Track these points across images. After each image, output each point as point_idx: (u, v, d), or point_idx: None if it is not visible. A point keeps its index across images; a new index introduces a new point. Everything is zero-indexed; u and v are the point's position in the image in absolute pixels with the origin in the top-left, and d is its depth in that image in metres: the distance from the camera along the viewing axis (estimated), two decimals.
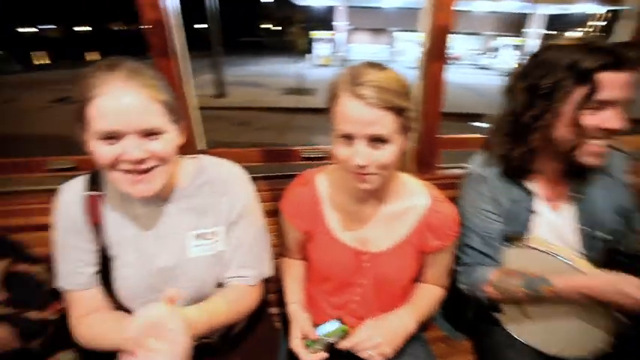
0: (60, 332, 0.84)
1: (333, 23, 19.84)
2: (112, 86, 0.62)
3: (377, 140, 0.69)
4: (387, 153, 0.70)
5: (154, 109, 0.66)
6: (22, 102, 9.05)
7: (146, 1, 0.95)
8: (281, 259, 1.02)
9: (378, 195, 0.84)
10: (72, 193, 0.78)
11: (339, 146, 0.72)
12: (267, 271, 0.90)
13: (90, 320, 0.77)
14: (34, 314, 0.83)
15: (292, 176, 1.22)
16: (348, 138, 0.70)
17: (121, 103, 0.62)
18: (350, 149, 0.70)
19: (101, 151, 0.64)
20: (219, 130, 6.75)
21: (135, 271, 0.78)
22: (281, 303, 1.08)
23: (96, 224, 0.77)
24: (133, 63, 0.67)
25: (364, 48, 21.43)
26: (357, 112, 0.67)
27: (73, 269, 0.78)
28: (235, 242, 0.84)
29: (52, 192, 1.12)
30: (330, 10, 20.25)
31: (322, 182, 0.91)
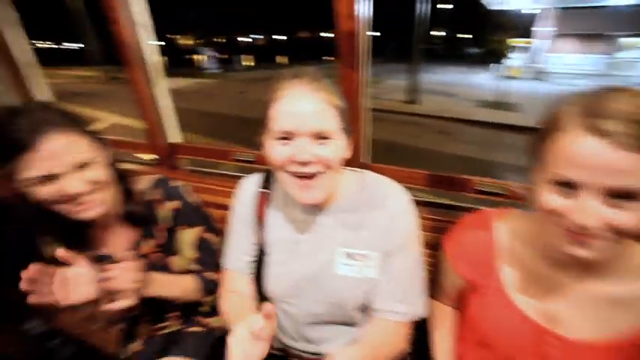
0: None
1: (533, 29, 17.17)
2: (293, 90, 0.70)
3: (620, 196, 0.49)
4: (632, 215, 0.50)
5: (328, 113, 0.70)
6: (250, 93, 12.22)
7: (343, 12, 1.01)
8: (430, 300, 0.92)
9: (588, 264, 0.62)
10: (250, 186, 0.92)
11: (549, 193, 0.55)
12: (421, 310, 0.83)
13: (231, 298, 0.90)
14: (211, 275, 1.02)
15: (459, 209, 1.09)
16: (571, 186, 0.53)
17: (298, 106, 0.69)
18: (571, 201, 0.53)
19: (275, 151, 0.71)
20: (419, 136, 7.12)
21: (283, 272, 0.85)
22: (415, 342, 0.98)
23: (260, 220, 0.87)
24: (315, 72, 0.74)
25: (569, 58, 17.59)
26: (594, 155, 0.49)
27: (235, 252, 0.92)
28: (391, 274, 0.80)
29: (234, 178, 1.38)
30: (525, 14, 17.67)
31: (502, 229, 0.75)
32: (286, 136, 0.70)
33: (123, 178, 0.92)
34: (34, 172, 0.73)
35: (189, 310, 1.10)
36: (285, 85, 0.71)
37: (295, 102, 0.69)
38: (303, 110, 0.68)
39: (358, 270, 0.80)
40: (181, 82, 15.82)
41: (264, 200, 0.88)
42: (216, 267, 1.02)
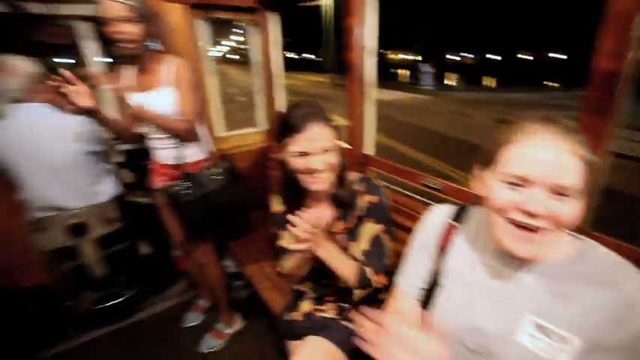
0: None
1: None
2: (539, 136, 0.63)
3: None
4: None
5: (575, 168, 0.61)
6: (475, 118, 11.17)
7: (608, 48, 0.81)
8: None
9: None
10: (439, 216, 0.91)
11: None
12: None
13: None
14: (371, 272, 1.09)
15: None
16: None
17: (543, 153, 0.62)
18: None
19: (500, 194, 0.67)
20: None
21: (453, 312, 0.80)
22: None
23: (443, 250, 0.85)
24: (567, 122, 0.65)
25: None
26: None
27: (409, 274, 0.93)
28: None
29: (418, 201, 1.38)
30: None
31: None
32: (518, 183, 0.65)
33: (342, 168, 1.12)
34: (296, 148, 1.02)
35: (343, 300, 1.24)
36: (529, 127, 0.65)
37: (539, 149, 0.63)
38: (547, 159, 0.62)
39: (546, 349, 0.66)
40: (396, 95, 16.78)
41: (451, 232, 0.86)
42: (378, 267, 1.10)
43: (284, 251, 1.20)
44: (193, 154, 1.69)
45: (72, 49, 2.32)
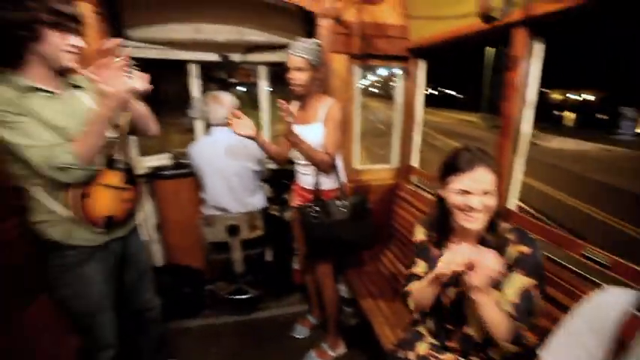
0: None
1: None
2: None
3: None
4: None
5: None
6: None
7: None
8: None
9: None
10: (618, 300, 0.79)
11: None
12: None
13: None
14: (522, 327, 1.02)
15: None
16: None
17: None
18: None
19: None
20: None
21: None
22: None
23: (623, 343, 0.74)
24: None
25: None
26: None
27: (563, 352, 0.84)
28: None
29: (575, 276, 1.22)
30: None
31: None
32: None
33: (496, 214, 1.15)
34: (458, 186, 1.10)
35: (465, 353, 1.20)
36: None
37: None
38: None
39: None
40: (578, 145, 14.12)
41: (635, 324, 0.74)
42: (527, 325, 1.03)
43: (415, 278, 1.27)
44: (328, 182, 1.91)
45: (247, 84, 3.00)
